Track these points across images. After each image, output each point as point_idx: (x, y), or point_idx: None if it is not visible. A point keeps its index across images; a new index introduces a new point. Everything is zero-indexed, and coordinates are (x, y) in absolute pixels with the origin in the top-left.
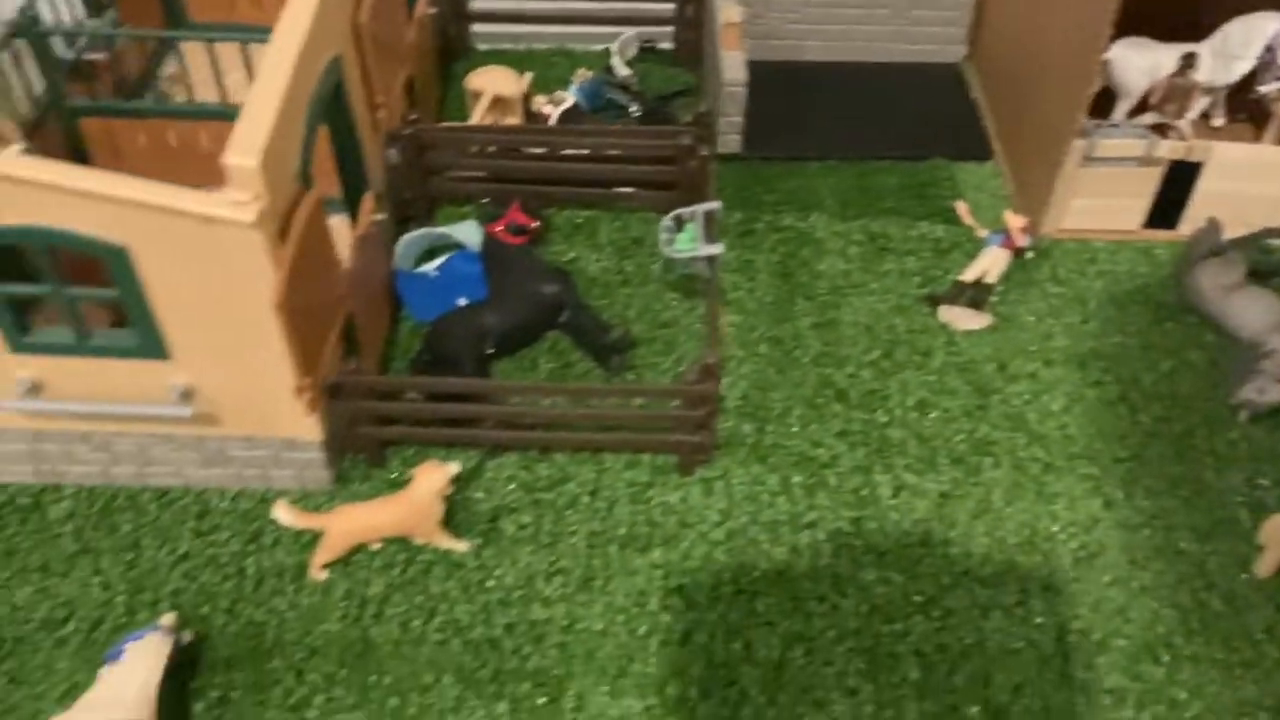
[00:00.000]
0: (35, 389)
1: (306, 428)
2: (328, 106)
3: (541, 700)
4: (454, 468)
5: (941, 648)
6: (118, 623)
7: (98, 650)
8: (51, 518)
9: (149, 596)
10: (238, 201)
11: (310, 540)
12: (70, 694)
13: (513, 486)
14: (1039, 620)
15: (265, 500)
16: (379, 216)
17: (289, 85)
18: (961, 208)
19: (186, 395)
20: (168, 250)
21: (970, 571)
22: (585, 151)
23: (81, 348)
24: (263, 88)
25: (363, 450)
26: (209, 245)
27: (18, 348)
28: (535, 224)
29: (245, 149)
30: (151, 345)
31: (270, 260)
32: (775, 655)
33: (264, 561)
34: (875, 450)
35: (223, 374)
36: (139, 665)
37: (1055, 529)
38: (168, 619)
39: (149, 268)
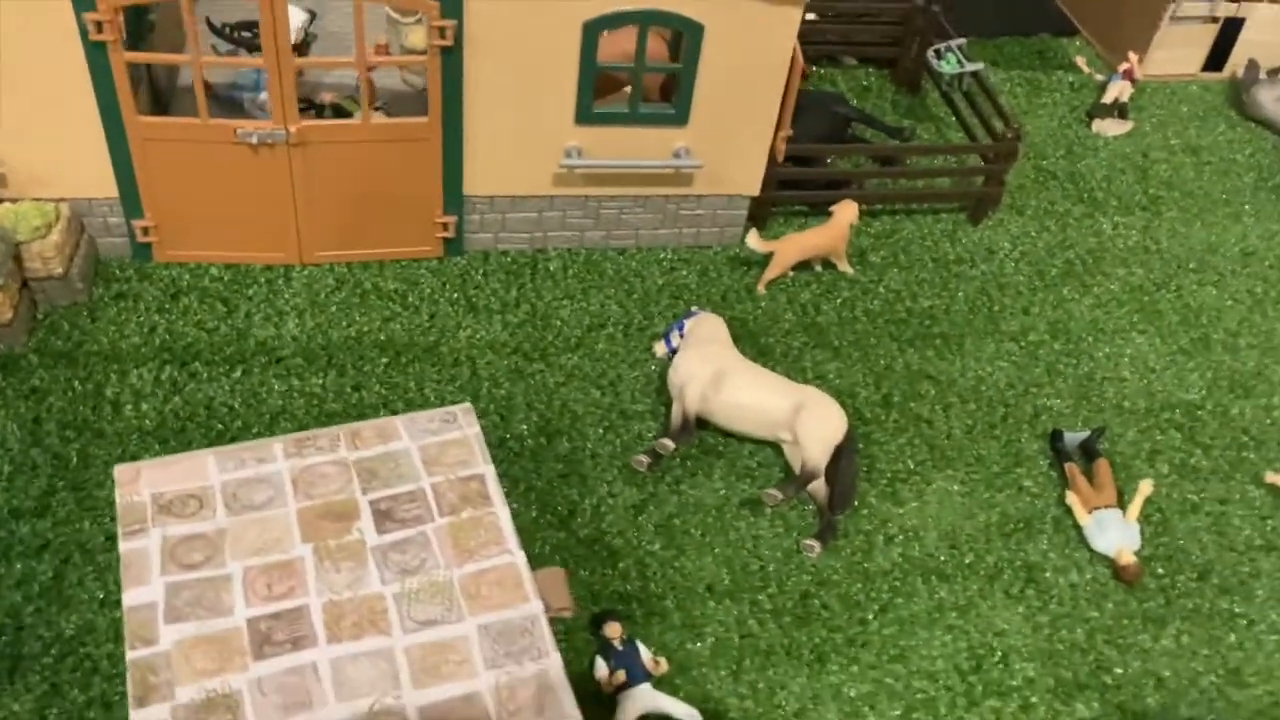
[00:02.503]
0: (579, 153)
1: (750, 183)
2: None
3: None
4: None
5: None
6: (641, 326)
7: (634, 340)
8: (551, 269)
9: (652, 309)
10: None
11: (743, 273)
12: (618, 369)
13: (872, 233)
14: None
15: (699, 252)
16: None
17: None
18: (1080, 60)
19: (684, 155)
20: (729, 29)
21: None
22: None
23: (631, 117)
24: None
25: (775, 205)
26: (760, 25)
27: (582, 119)
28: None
29: None
30: (682, 114)
31: (793, 36)
32: None
33: (720, 285)
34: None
35: (715, 138)
36: (707, 319)
37: None
38: (695, 308)
39: (711, 44)
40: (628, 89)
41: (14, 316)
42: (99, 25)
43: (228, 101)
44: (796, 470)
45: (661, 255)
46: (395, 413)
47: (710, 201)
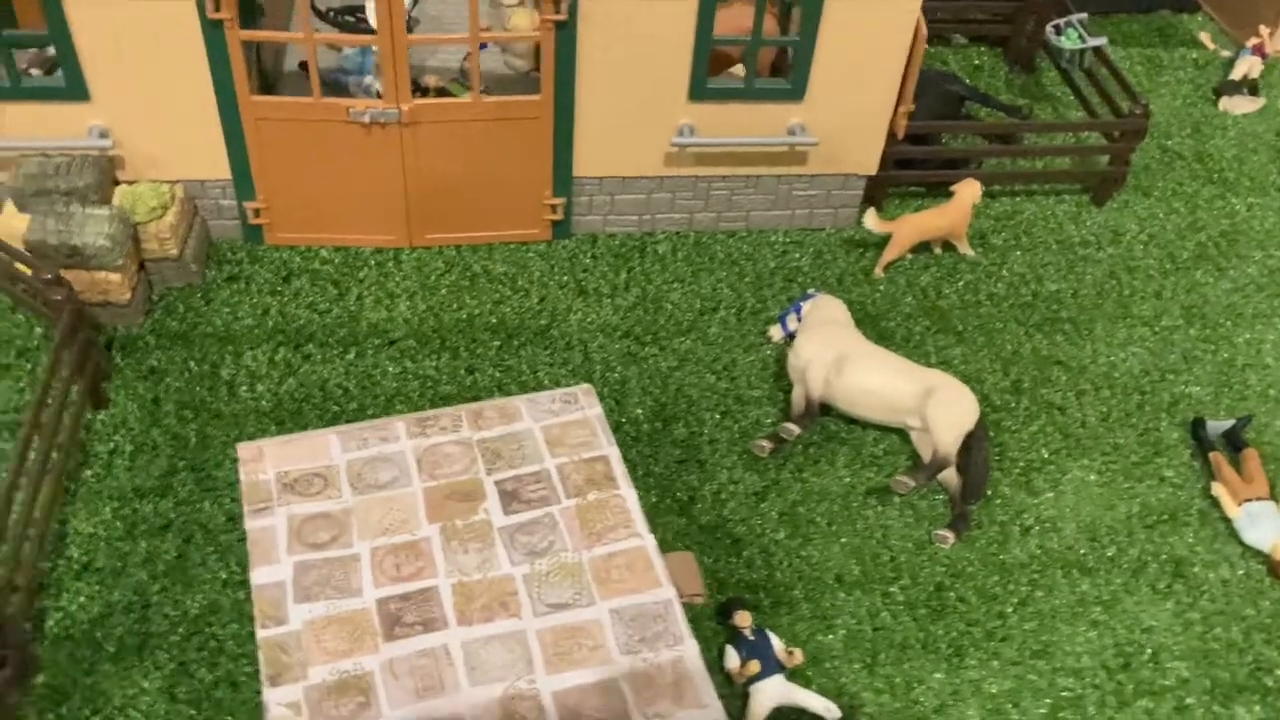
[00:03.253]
0: (691, 131)
1: (867, 162)
2: None
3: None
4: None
5: None
6: (754, 309)
7: (747, 324)
8: (660, 252)
9: (765, 292)
10: None
11: (859, 255)
12: (733, 353)
13: (992, 215)
14: None
15: (811, 234)
16: None
17: None
18: (1204, 36)
19: (799, 131)
20: (848, 7)
21: None
22: None
23: (746, 92)
24: None
25: (891, 185)
26: (880, 10)
27: (696, 96)
28: None
29: None
30: (799, 89)
31: (917, 4)
32: None
33: (835, 268)
34: None
35: (832, 115)
36: (826, 301)
37: None
38: (813, 290)
39: (830, 14)
40: (735, 68)
41: (132, 297)
42: (216, 3)
43: (333, 85)
44: (925, 458)
45: (773, 237)
46: (510, 395)
47: (824, 181)
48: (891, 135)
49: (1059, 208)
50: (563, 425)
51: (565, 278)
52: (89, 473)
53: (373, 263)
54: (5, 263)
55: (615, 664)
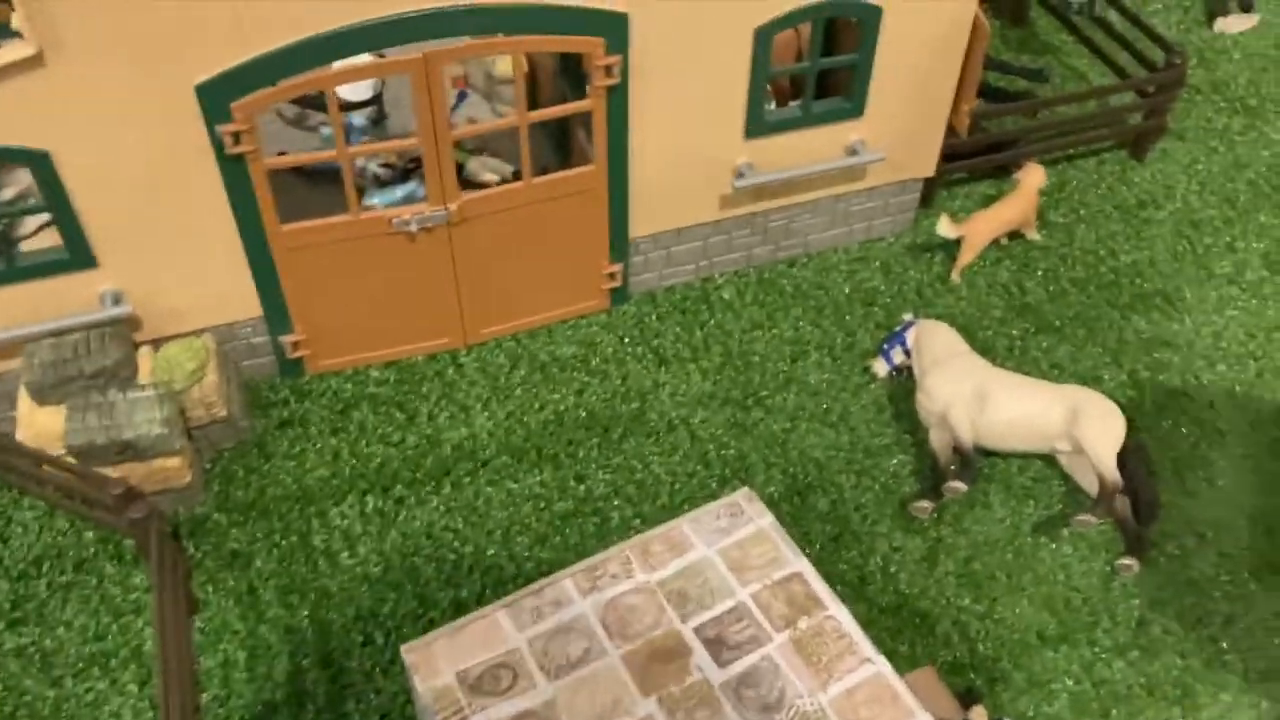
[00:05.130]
0: (750, 170)
1: (926, 164)
2: None
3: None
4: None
5: None
6: (845, 345)
7: (844, 362)
8: (726, 298)
9: (850, 322)
10: None
11: (928, 261)
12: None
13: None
14: None
15: (872, 245)
16: None
17: None
18: None
19: (860, 149)
20: (905, 15)
21: None
22: None
23: (804, 118)
24: None
25: (942, 182)
26: (937, 12)
27: (752, 133)
28: None
29: None
30: (858, 105)
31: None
32: None
33: (909, 281)
34: None
35: (892, 125)
36: (932, 328)
37: None
38: (908, 316)
39: (888, 30)
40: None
41: (193, 475)
42: (236, 137)
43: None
44: (1080, 481)
45: (834, 257)
46: (630, 501)
47: (882, 191)
48: (950, 130)
49: (1102, 169)
50: (740, 545)
51: (640, 348)
52: (207, 696)
53: (431, 374)
54: (64, 481)
55: None
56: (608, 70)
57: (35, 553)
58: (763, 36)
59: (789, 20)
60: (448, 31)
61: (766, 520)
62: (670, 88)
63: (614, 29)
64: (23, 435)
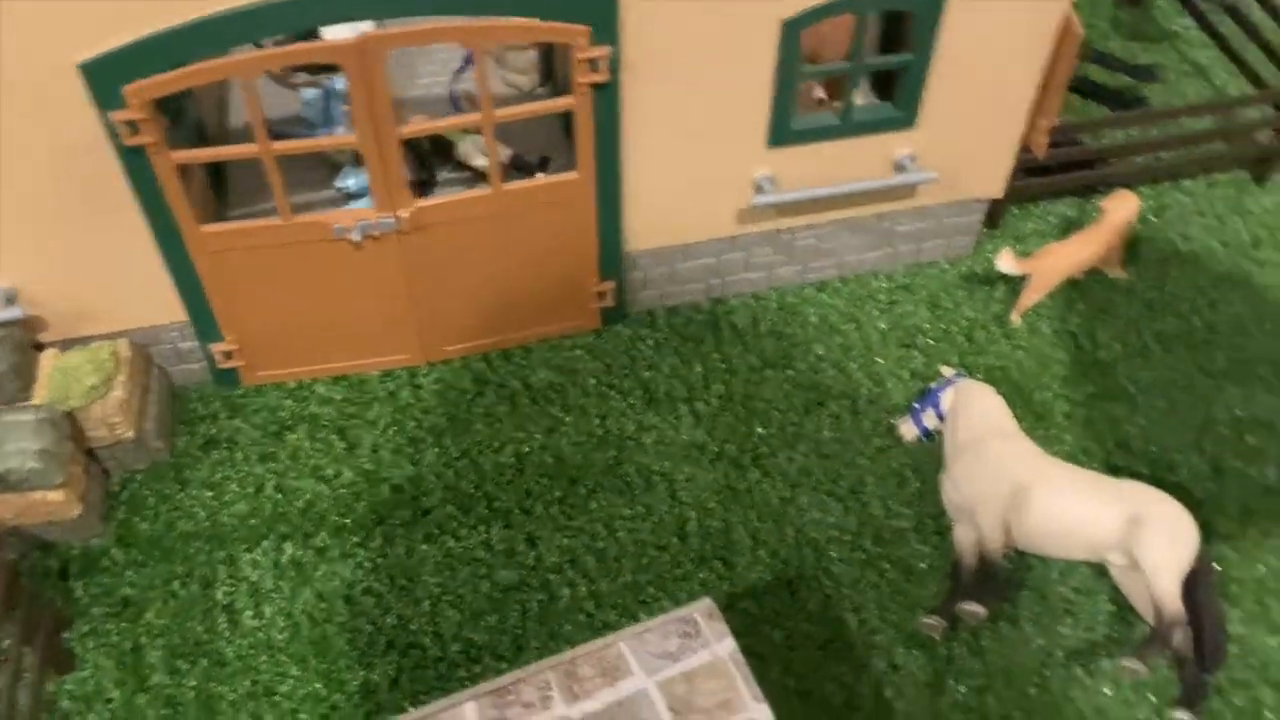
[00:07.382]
0: (772, 184)
1: (992, 185)
2: None
3: None
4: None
5: None
6: (871, 397)
7: (865, 417)
8: (738, 325)
9: (880, 369)
10: None
11: (985, 295)
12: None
13: None
14: None
15: (920, 272)
16: None
17: None
18: None
19: (908, 165)
20: (975, 12)
21: None
22: None
23: (843, 127)
24: None
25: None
26: (1014, 9)
27: (777, 140)
28: None
29: None
30: (909, 114)
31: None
32: None
33: (960, 320)
34: None
35: (950, 139)
36: (973, 392)
37: None
38: (948, 371)
39: (951, 28)
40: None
41: (84, 508)
42: (132, 126)
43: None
44: (1134, 600)
45: (873, 284)
46: (586, 575)
47: (935, 211)
48: (1025, 151)
49: (1212, 193)
50: (688, 678)
51: (627, 381)
52: None
53: (383, 394)
54: None
55: None
56: (593, 64)
57: None
58: (792, 30)
59: (825, 11)
60: (397, 11)
61: (726, 647)
62: (674, 87)
63: (601, 15)
64: None
